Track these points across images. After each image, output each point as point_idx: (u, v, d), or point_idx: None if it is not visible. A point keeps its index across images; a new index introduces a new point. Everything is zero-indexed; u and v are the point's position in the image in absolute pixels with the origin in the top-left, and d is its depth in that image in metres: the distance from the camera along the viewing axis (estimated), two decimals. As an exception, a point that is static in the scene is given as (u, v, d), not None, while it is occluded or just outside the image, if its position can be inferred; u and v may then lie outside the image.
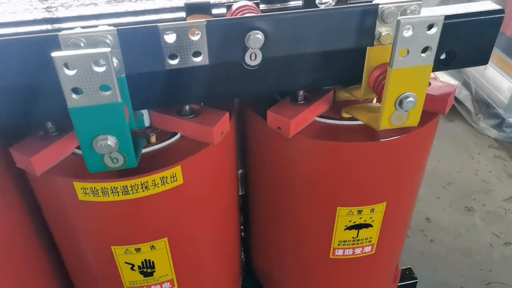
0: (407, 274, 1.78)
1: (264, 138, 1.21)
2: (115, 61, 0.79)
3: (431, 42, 0.84)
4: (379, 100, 1.01)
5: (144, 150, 1.05)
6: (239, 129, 1.30)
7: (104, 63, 0.73)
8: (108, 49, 0.72)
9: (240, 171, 1.51)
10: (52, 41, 0.76)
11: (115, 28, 0.78)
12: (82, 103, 0.76)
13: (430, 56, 0.86)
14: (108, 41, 0.78)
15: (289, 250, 1.41)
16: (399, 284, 1.71)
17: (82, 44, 0.76)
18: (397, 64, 0.85)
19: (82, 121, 0.78)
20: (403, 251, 2.24)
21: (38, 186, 1.07)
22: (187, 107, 1.08)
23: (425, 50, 0.85)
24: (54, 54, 0.70)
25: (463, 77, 3.54)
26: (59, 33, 0.76)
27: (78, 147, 1.05)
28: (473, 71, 3.43)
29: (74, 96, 0.75)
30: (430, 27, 0.82)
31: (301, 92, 1.12)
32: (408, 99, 0.90)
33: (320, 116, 1.15)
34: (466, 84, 3.49)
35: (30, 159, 0.95)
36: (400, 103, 0.91)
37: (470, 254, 2.31)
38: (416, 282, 1.78)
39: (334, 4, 1.10)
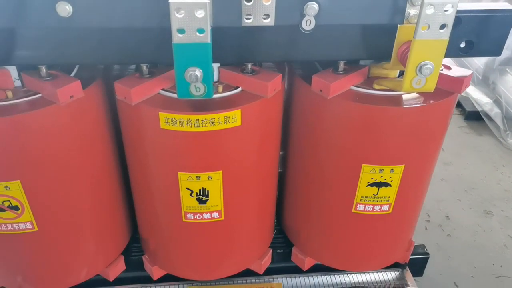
0: (421, 249, 1.97)
1: (307, 100, 1.47)
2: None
3: (447, 20, 1.08)
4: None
5: (214, 96, 1.33)
6: (286, 98, 1.57)
7: (203, 11, 1.01)
8: (208, 1, 1.01)
9: (280, 153, 1.77)
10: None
11: (212, -12, 1.07)
12: (182, 40, 1.05)
13: (446, 32, 1.10)
14: (205, -1, 1.07)
15: (317, 205, 1.65)
16: (412, 256, 1.91)
17: (187, -2, 1.05)
18: (420, 36, 1.10)
19: (180, 55, 1.07)
20: (420, 239, 2.44)
21: (128, 115, 1.37)
22: (249, 66, 1.36)
23: (442, 26, 1.10)
24: (171, 0, 0.99)
25: (495, 95, 3.70)
26: (171, -12, 1.05)
27: (163, 89, 1.35)
28: (505, 91, 3.59)
29: (178, 34, 1.04)
30: (447, 8, 1.07)
31: (342, 64, 1.38)
32: (427, 66, 1.14)
33: (355, 86, 1.41)
34: (497, 103, 3.66)
35: (131, 90, 1.25)
36: (420, 69, 1.15)
37: (483, 251, 2.48)
38: (428, 257, 1.97)
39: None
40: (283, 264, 1.90)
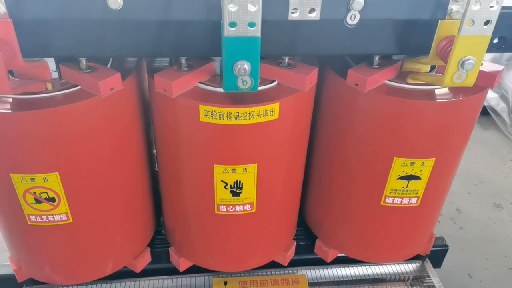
0: (440, 241, 2.01)
1: (339, 94, 1.48)
2: (258, 8, 1.08)
3: (492, 16, 1.10)
4: (444, 63, 1.26)
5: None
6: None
7: (256, 5, 1.02)
8: (261, -5, 1.01)
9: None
10: (215, -11, 1.07)
11: (262, -17, 1.08)
12: (233, 34, 1.06)
13: (490, 28, 1.12)
14: (255, -8, 1.07)
15: (344, 197, 1.67)
16: (432, 249, 1.95)
17: (237, -8, 1.06)
18: (464, 31, 1.12)
19: (230, 48, 1.08)
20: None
21: (165, 108, 1.37)
22: (286, 60, 1.37)
23: (487, 23, 1.11)
24: (226, -7, 1.00)
25: (501, 91, 3.74)
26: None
27: (200, 82, 1.35)
28: (511, 86, 3.63)
29: (230, 28, 1.05)
30: (493, 4, 1.09)
31: (377, 58, 1.39)
32: (469, 61, 1.16)
33: (389, 80, 1.42)
34: (503, 98, 3.70)
35: (172, 83, 1.26)
36: (462, 64, 1.17)
37: (495, 243, 2.52)
38: (448, 249, 2.01)
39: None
40: (305, 256, 1.92)
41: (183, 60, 1.32)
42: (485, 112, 3.73)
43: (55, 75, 1.32)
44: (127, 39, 1.16)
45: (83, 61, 1.28)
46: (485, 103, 3.75)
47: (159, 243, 1.92)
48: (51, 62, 1.30)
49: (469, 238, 2.55)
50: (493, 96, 3.72)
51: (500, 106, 3.64)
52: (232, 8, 1.02)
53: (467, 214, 2.72)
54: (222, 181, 1.44)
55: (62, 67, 1.31)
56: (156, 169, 1.84)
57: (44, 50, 1.18)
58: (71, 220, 1.44)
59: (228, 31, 1.06)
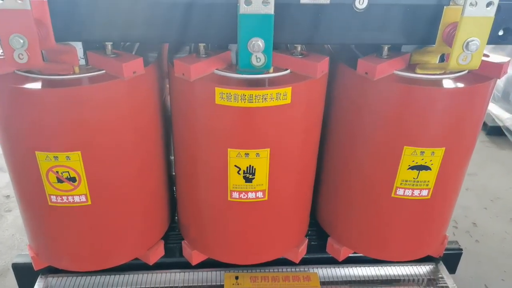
0: (454, 244, 1.99)
1: (349, 84, 1.54)
2: (270, -10, 1.16)
3: (493, -2, 1.16)
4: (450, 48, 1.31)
5: (265, 76, 1.41)
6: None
7: (270, -16, 1.11)
8: (274, -26, 1.10)
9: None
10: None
11: (274, -32, 1.17)
12: (248, 11, 1.14)
13: (492, 9, 1.18)
14: (269, -24, 1.16)
15: (356, 191, 1.69)
16: (446, 252, 1.93)
17: (252, -25, 1.15)
18: (468, 12, 1.18)
19: (245, 25, 1.16)
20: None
21: (183, 92, 1.45)
22: (299, 49, 1.44)
23: (489, 4, 1.17)
24: (241, -28, 1.09)
25: (516, 112, 3.75)
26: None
27: (217, 69, 1.43)
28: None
29: (245, 6, 1.13)
30: (494, -14, 1.15)
31: (386, 48, 1.45)
32: (473, 42, 1.21)
33: (398, 70, 1.48)
34: (519, 119, 3.70)
35: (190, 66, 1.34)
36: (467, 45, 1.22)
37: (512, 256, 2.48)
38: (461, 253, 1.99)
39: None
40: (317, 255, 1.93)
41: (201, 47, 1.41)
42: (501, 132, 3.73)
43: (82, 61, 1.41)
44: (149, 23, 1.25)
45: (109, 46, 1.37)
46: (500, 124, 3.75)
47: (173, 239, 1.95)
48: (79, 48, 1.39)
49: (486, 251, 2.50)
50: (508, 116, 3.74)
51: (516, 127, 3.66)
52: (247, -14, 1.11)
53: (484, 228, 2.68)
54: (235, 166, 1.49)
55: (89, 53, 1.40)
56: (173, 173, 1.91)
57: (72, 34, 1.28)
58: (89, 202, 1.49)
59: (244, 9, 1.14)
